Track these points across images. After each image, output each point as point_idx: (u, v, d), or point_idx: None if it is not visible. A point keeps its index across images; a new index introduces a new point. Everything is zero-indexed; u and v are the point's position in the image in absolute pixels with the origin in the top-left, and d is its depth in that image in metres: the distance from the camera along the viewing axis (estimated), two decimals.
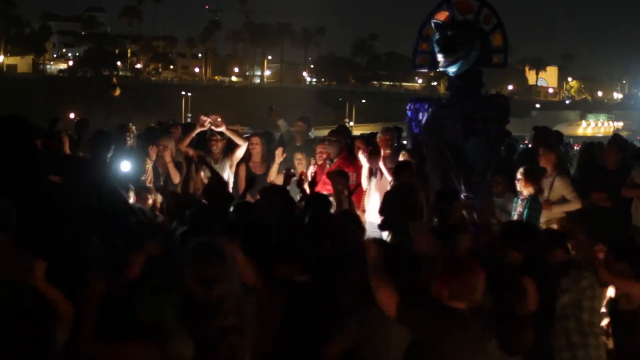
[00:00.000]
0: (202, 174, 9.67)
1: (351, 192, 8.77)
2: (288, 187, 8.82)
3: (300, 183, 8.63)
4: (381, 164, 9.95)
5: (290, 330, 5.25)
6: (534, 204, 8.83)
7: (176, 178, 10.43)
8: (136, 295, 4.69)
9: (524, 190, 8.88)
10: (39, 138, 9.06)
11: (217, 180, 8.59)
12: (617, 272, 5.74)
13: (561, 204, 9.51)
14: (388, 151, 10.34)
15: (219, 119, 10.72)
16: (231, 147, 10.88)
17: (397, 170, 8.93)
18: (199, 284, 4.60)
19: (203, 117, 10.92)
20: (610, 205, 10.02)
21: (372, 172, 10.24)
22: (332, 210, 7.70)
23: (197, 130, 10.89)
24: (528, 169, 9.03)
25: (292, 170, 9.26)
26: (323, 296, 5.38)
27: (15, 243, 5.06)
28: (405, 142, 11.49)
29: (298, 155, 10.61)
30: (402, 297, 4.68)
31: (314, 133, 28.41)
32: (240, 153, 10.78)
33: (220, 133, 10.78)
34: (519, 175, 8.93)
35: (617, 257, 5.77)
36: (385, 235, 8.50)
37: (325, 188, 9.27)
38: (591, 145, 12.96)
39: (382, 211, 8.61)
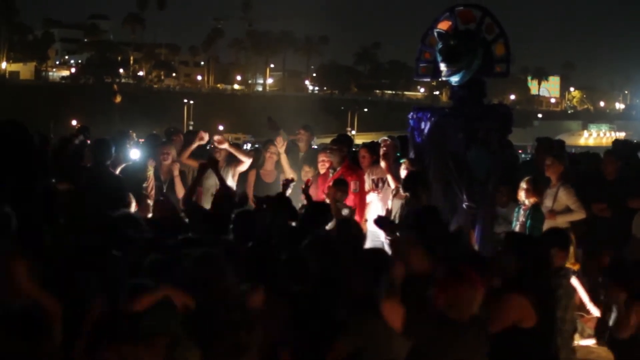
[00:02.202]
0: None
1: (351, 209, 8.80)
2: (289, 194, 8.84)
3: (306, 190, 8.63)
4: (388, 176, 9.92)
5: (292, 340, 5.24)
6: (537, 214, 8.80)
7: (180, 191, 10.37)
8: None
9: (527, 200, 8.86)
10: (38, 144, 9.07)
11: (224, 190, 8.59)
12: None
13: (565, 214, 9.47)
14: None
15: (221, 137, 10.72)
16: (232, 156, 10.86)
17: (407, 182, 8.89)
18: (201, 284, 4.72)
19: (203, 133, 10.94)
20: (609, 216, 9.97)
21: (375, 183, 10.23)
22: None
23: (197, 144, 10.86)
24: (532, 179, 9.00)
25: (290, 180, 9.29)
26: (324, 306, 5.37)
27: (15, 248, 5.05)
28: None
29: (306, 168, 10.65)
30: (407, 311, 4.66)
31: (315, 141, 28.35)
32: (242, 168, 10.76)
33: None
34: (523, 185, 8.90)
35: (615, 283, 5.73)
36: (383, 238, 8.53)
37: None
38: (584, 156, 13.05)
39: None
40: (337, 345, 5.18)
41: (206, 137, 10.94)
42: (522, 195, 8.91)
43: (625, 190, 10.04)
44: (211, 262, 4.88)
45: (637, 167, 11.40)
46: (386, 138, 10.56)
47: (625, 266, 6.06)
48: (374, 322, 4.93)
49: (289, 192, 8.96)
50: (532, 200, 8.83)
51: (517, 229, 8.84)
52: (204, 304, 4.68)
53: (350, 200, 9.54)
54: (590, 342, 8.66)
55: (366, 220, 9.82)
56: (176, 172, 10.53)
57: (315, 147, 12.94)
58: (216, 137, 10.73)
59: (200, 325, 4.59)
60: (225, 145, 10.70)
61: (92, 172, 8.94)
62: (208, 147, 11.11)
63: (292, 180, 9.20)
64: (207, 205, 9.22)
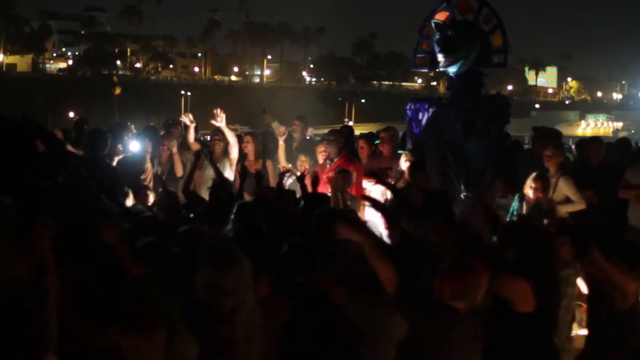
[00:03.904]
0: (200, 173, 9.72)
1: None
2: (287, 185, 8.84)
3: (301, 180, 8.61)
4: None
5: (295, 333, 5.22)
6: (538, 211, 8.73)
7: (179, 171, 10.51)
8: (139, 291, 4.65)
9: (533, 195, 8.75)
10: (36, 137, 9.06)
11: (220, 180, 8.59)
12: (614, 265, 5.74)
13: (565, 205, 9.42)
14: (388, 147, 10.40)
15: (222, 113, 10.67)
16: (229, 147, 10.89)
17: (413, 170, 8.90)
18: (212, 293, 4.50)
19: (188, 116, 10.95)
20: (597, 202, 9.91)
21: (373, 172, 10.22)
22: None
23: (192, 125, 10.92)
24: (541, 176, 8.89)
25: (288, 172, 9.27)
26: (327, 297, 5.36)
27: (16, 242, 5.03)
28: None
29: (302, 157, 10.64)
30: (403, 288, 4.68)
31: (312, 132, 28.31)
32: (234, 153, 10.76)
33: (220, 131, 10.76)
34: (532, 184, 8.76)
35: (618, 258, 5.77)
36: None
37: (325, 188, 9.26)
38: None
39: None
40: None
41: (189, 117, 11.01)
42: (530, 193, 8.80)
43: (610, 177, 10.00)
44: (229, 263, 4.54)
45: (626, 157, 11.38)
46: (383, 130, 10.68)
47: (631, 246, 6.11)
48: (377, 311, 4.95)
49: (289, 182, 8.97)
50: (538, 195, 8.76)
51: (514, 218, 8.79)
52: (209, 314, 4.50)
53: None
54: None
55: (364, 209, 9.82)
56: (175, 150, 10.62)
57: (308, 137, 12.95)
58: (217, 111, 10.70)
59: (200, 336, 4.43)
60: (223, 123, 10.64)
61: (85, 162, 8.91)
62: (209, 138, 11.13)
63: (289, 170, 9.21)
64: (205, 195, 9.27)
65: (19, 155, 7.50)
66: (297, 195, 8.33)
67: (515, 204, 8.97)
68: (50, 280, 4.37)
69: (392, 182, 9.49)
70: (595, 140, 11.13)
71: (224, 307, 4.49)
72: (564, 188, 9.44)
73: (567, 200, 9.45)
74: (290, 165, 10.06)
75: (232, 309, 4.51)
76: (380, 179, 8.37)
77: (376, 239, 5.04)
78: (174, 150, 10.66)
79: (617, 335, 5.96)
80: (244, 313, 4.56)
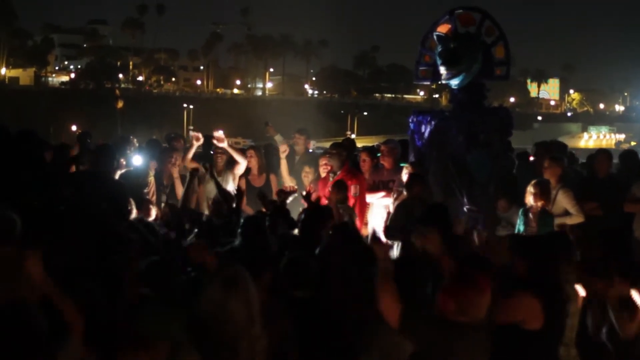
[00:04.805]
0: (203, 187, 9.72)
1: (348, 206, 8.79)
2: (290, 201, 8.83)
3: (307, 197, 8.61)
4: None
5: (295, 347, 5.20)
6: (548, 220, 8.68)
7: (180, 193, 10.45)
8: (141, 307, 4.64)
9: (536, 203, 8.72)
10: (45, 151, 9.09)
11: (222, 194, 8.59)
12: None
13: (564, 217, 9.38)
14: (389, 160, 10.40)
15: (222, 135, 10.70)
16: (233, 160, 10.86)
17: (409, 183, 8.90)
18: (214, 320, 4.49)
19: (196, 133, 10.94)
20: (601, 214, 9.85)
21: (376, 185, 10.22)
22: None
23: (196, 145, 10.88)
24: (540, 182, 8.87)
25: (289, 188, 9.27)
26: (326, 311, 5.34)
27: (21, 256, 5.01)
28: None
29: (306, 169, 10.64)
30: (405, 308, 4.65)
31: (315, 145, 28.29)
32: (239, 170, 10.74)
33: (222, 148, 10.78)
34: (531, 189, 8.74)
35: (622, 277, 5.70)
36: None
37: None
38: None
39: (391, 222, 8.66)
40: None
41: (200, 135, 10.94)
42: (530, 200, 8.78)
43: (616, 189, 9.96)
44: (237, 295, 4.49)
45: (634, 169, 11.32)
46: (383, 143, 10.68)
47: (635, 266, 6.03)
48: (391, 343, 4.92)
49: (290, 199, 8.96)
50: (541, 203, 8.71)
51: (525, 233, 8.71)
52: (214, 341, 4.46)
53: (350, 204, 9.53)
54: None
55: (366, 224, 9.82)
56: (176, 174, 10.59)
57: (311, 150, 12.94)
58: (216, 134, 10.71)
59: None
60: (225, 144, 10.68)
61: (91, 177, 8.89)
62: (211, 152, 11.12)
63: (294, 191, 9.18)
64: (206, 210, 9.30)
65: (24, 168, 7.52)
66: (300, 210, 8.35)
67: (521, 219, 8.88)
68: (67, 312, 4.25)
69: (395, 195, 9.51)
70: (601, 152, 11.03)
71: (225, 335, 4.47)
72: (562, 200, 9.41)
73: (566, 213, 9.41)
74: (295, 186, 10.02)
75: (233, 337, 4.48)
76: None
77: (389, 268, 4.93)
78: (175, 174, 10.62)
79: None
80: (246, 342, 4.53)
